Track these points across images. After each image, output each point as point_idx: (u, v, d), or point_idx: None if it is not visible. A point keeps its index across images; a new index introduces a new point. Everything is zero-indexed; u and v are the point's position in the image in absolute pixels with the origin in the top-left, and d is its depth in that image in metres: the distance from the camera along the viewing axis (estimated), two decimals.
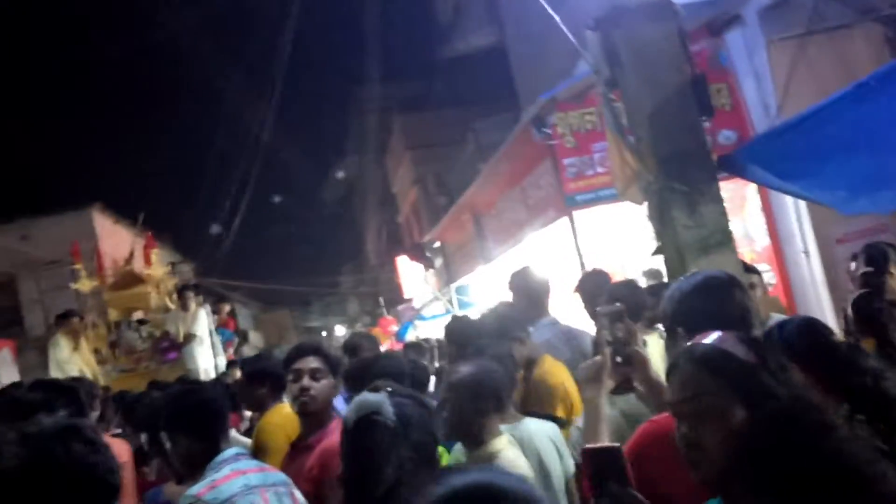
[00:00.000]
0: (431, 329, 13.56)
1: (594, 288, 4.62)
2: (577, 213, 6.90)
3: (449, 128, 18.96)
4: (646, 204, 3.67)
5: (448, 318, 5.34)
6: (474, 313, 6.99)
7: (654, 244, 4.10)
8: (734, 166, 4.16)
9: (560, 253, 7.55)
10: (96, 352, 8.99)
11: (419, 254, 14.52)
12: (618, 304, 2.00)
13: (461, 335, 3.68)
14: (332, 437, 2.96)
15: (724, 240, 3.53)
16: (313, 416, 3.12)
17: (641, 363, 1.94)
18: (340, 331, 46.96)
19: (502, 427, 2.66)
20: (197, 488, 2.37)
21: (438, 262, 14.40)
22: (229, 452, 2.53)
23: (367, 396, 1.84)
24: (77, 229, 18.82)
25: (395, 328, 17.34)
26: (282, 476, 2.62)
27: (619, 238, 7.10)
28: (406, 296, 20.75)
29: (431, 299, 17.15)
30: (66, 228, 15.13)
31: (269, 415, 3.78)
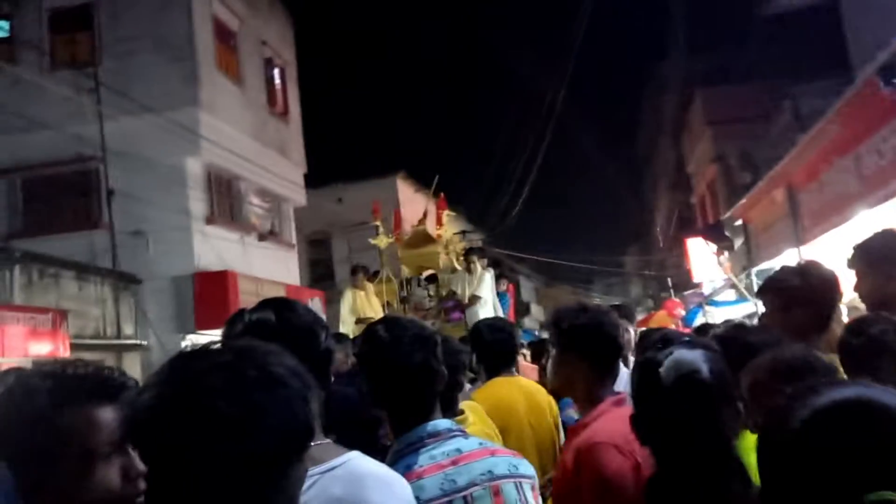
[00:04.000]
0: (723, 316, 12.38)
1: None
2: None
3: (757, 100, 17.37)
4: None
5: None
6: None
7: None
8: None
9: None
10: (388, 305, 9.41)
11: (717, 233, 13.33)
12: None
13: None
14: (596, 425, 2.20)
15: None
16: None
17: None
18: None
19: None
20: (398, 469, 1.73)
21: (738, 242, 13.10)
22: (442, 424, 1.84)
23: (683, 354, 1.62)
24: (382, 194, 20.36)
25: (681, 311, 16.26)
26: (489, 463, 1.81)
27: None
28: (695, 280, 19.49)
29: (724, 285, 15.79)
30: (373, 193, 16.27)
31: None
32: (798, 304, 2.66)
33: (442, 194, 10.83)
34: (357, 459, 1.47)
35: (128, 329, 12.89)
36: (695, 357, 1.62)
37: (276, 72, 17.68)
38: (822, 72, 12.77)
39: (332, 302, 14.66)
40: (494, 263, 11.44)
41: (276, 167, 16.44)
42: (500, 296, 9.70)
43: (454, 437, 1.83)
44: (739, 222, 12.65)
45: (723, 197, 19.76)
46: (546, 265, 32.11)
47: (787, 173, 9.21)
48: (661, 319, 17.87)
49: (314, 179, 19.33)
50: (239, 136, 15.03)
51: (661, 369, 1.62)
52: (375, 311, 8.57)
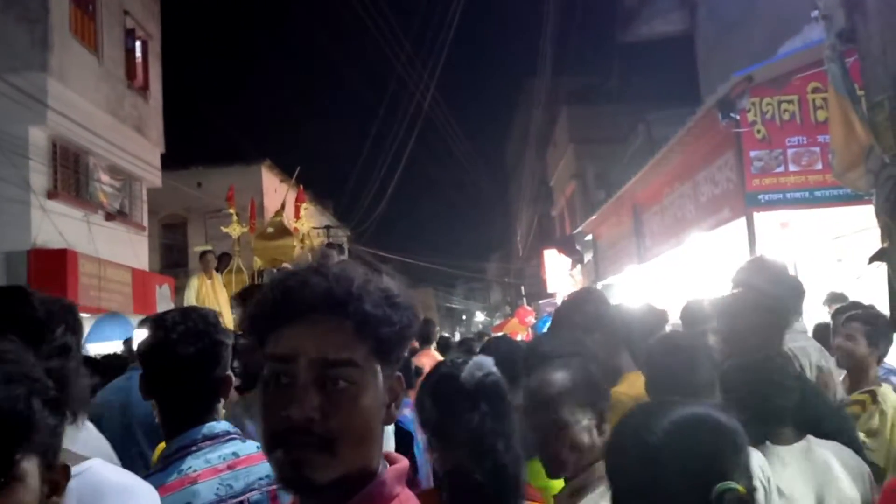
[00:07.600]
0: None
1: None
2: (757, 215, 6.07)
3: (617, 123, 18.21)
4: (872, 193, 2.87)
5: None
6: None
7: (873, 247, 3.28)
8: None
9: (730, 259, 6.71)
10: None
11: (569, 246, 13.86)
12: None
13: None
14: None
15: None
16: None
17: None
18: (480, 316, 47.02)
19: None
20: (164, 477, 1.63)
21: (588, 256, 13.68)
22: (219, 427, 1.77)
23: (480, 359, 1.83)
24: (245, 182, 19.72)
25: (532, 320, 16.78)
26: (267, 467, 1.71)
27: (805, 248, 6.19)
28: (549, 290, 20.20)
29: None
30: (236, 180, 15.71)
31: None
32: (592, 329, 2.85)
33: (301, 186, 10.61)
34: (97, 468, 1.36)
35: None
36: (489, 361, 1.82)
37: (138, 45, 16.69)
38: (675, 100, 13.56)
39: (183, 289, 14.05)
40: (362, 264, 11.22)
41: (130, 145, 15.54)
42: None
43: (231, 440, 1.75)
44: (590, 237, 13.21)
45: (580, 212, 20.59)
46: (409, 266, 32.26)
47: (634, 194, 9.70)
48: (513, 326, 18.41)
49: (173, 161, 18.43)
50: (91, 108, 14.08)
51: (463, 374, 1.76)
52: (220, 303, 8.25)
